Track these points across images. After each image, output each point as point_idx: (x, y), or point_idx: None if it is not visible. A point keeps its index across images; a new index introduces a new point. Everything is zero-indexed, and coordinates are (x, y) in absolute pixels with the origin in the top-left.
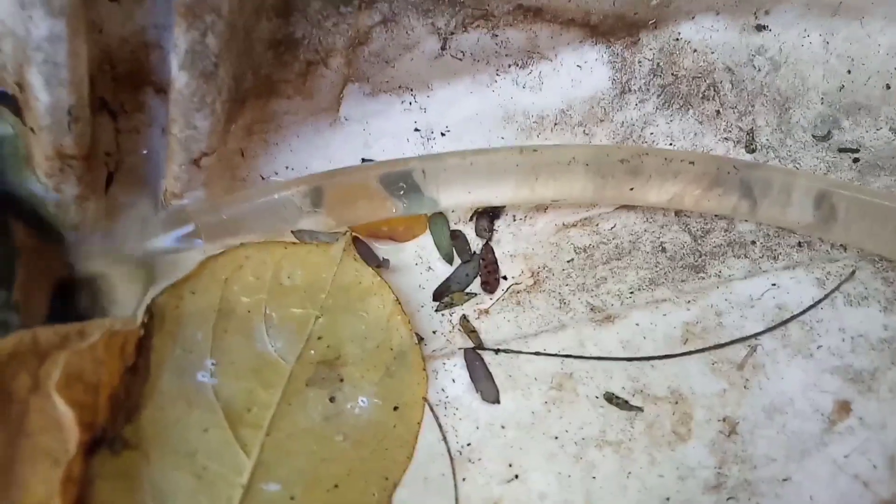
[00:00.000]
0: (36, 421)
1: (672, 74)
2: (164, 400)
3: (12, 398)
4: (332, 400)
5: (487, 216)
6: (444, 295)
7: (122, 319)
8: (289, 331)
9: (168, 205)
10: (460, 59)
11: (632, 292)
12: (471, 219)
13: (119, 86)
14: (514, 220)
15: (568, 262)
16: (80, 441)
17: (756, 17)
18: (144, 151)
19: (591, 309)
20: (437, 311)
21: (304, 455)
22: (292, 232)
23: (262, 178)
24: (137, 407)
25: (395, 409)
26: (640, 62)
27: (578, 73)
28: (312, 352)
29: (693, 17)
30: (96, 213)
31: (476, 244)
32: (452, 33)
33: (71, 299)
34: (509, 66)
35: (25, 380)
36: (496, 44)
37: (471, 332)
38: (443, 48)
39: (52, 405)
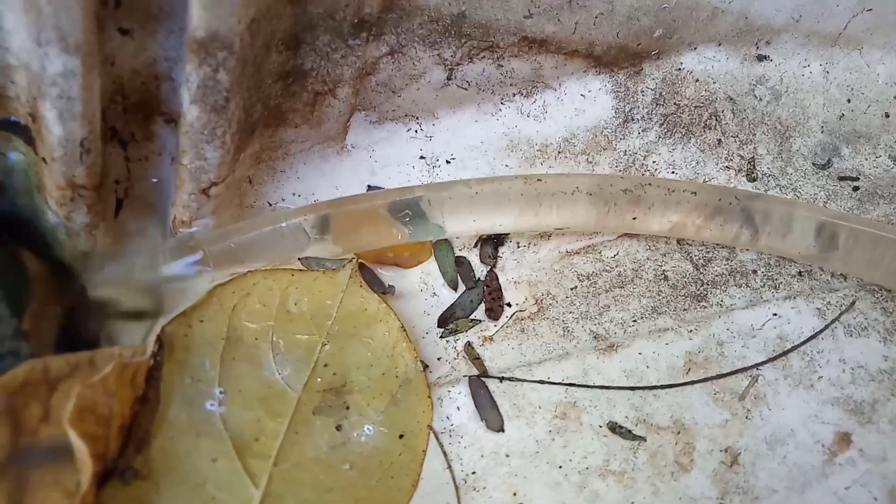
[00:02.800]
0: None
1: (674, 104)
2: (174, 430)
3: (23, 428)
4: (338, 428)
5: (492, 243)
6: (449, 322)
7: (133, 348)
8: (296, 358)
9: (177, 232)
10: (465, 89)
11: (634, 321)
12: (475, 245)
13: (130, 116)
14: (518, 247)
15: (571, 289)
16: (93, 473)
17: (757, 48)
18: (154, 179)
19: (595, 337)
20: (441, 337)
21: (312, 485)
22: (299, 259)
23: (270, 206)
24: (147, 437)
25: (401, 436)
26: (642, 92)
27: (582, 102)
28: (319, 379)
29: (695, 48)
30: (105, 240)
31: (480, 271)
32: (458, 64)
33: (79, 326)
34: (514, 95)
35: (36, 409)
36: (501, 74)
37: (475, 359)
38: (449, 78)
39: (63, 435)
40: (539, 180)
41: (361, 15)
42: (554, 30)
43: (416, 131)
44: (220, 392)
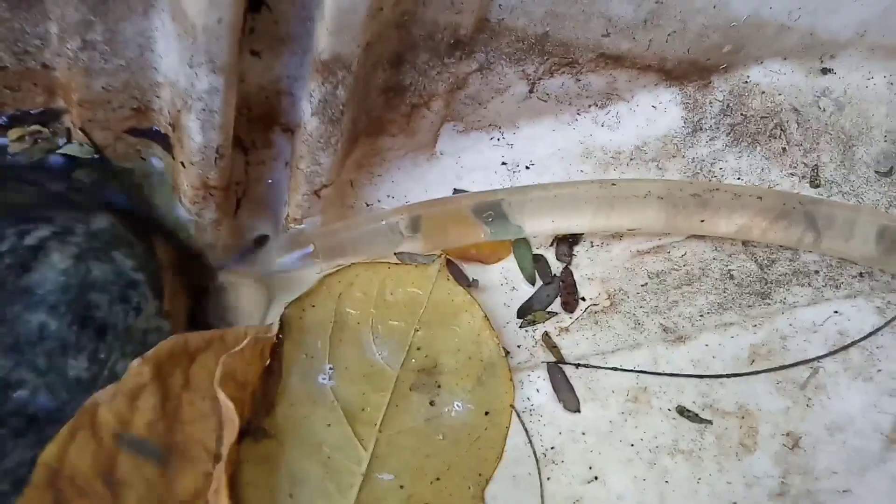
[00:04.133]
0: (188, 413)
1: (741, 114)
2: (294, 398)
3: (169, 393)
4: (432, 404)
5: (567, 242)
6: (528, 313)
7: (263, 327)
8: (392, 341)
9: (288, 228)
10: (545, 101)
11: (701, 315)
12: (552, 244)
13: (252, 126)
14: (592, 246)
15: (642, 285)
16: (238, 429)
17: (822, 62)
18: (269, 181)
19: (664, 330)
20: (521, 327)
21: (411, 450)
22: (395, 254)
23: (367, 206)
24: (273, 403)
25: (486, 413)
26: (710, 103)
27: (653, 112)
28: (413, 360)
29: (762, 62)
30: (227, 234)
31: (556, 267)
32: (540, 78)
33: (204, 308)
34: (589, 106)
35: (179, 377)
36: (578, 87)
37: (552, 347)
38: (530, 91)
39: (200, 399)
40: (612, 185)
41: (457, 36)
42: (629, 47)
43: (498, 139)
44: (330, 368)
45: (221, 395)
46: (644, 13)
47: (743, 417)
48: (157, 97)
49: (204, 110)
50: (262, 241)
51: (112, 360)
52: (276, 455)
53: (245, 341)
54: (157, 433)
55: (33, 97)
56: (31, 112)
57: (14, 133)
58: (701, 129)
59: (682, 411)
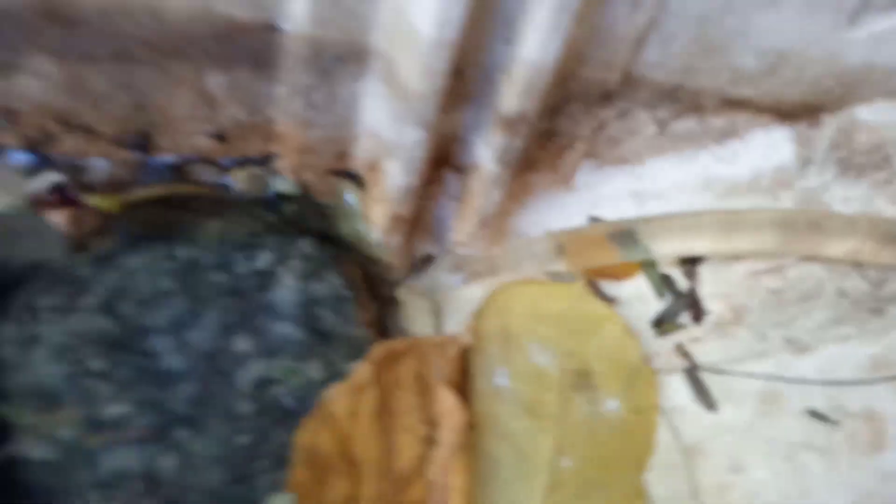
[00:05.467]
0: (398, 406)
1: (848, 149)
2: (482, 395)
3: (384, 390)
4: (590, 402)
5: (691, 262)
6: (660, 324)
7: (457, 336)
8: (549, 348)
9: (453, 251)
10: (671, 140)
11: (820, 328)
12: (678, 264)
13: (429, 166)
14: (714, 266)
15: (762, 301)
16: (459, 420)
17: None
18: (436, 212)
19: (787, 341)
20: (655, 337)
21: (581, 441)
22: (545, 273)
23: (516, 232)
24: (468, 399)
25: (636, 411)
26: (820, 139)
27: (767, 149)
28: (569, 365)
29: (869, 102)
30: (404, 256)
31: (682, 284)
32: (669, 121)
33: (386, 319)
34: (709, 144)
35: (390, 376)
36: (701, 128)
37: (686, 354)
38: (660, 132)
39: (407, 394)
40: (731, 213)
41: (606, 89)
42: (750, 93)
43: (629, 173)
44: (504, 371)
45: (445, 391)
46: (766, 65)
47: (871, 419)
48: (356, 145)
49: (407, 158)
50: (427, 261)
51: (337, 363)
52: (476, 442)
53: (453, 347)
54: (378, 422)
55: (256, 144)
56: (252, 156)
57: (238, 173)
58: (811, 162)
59: (813, 413)
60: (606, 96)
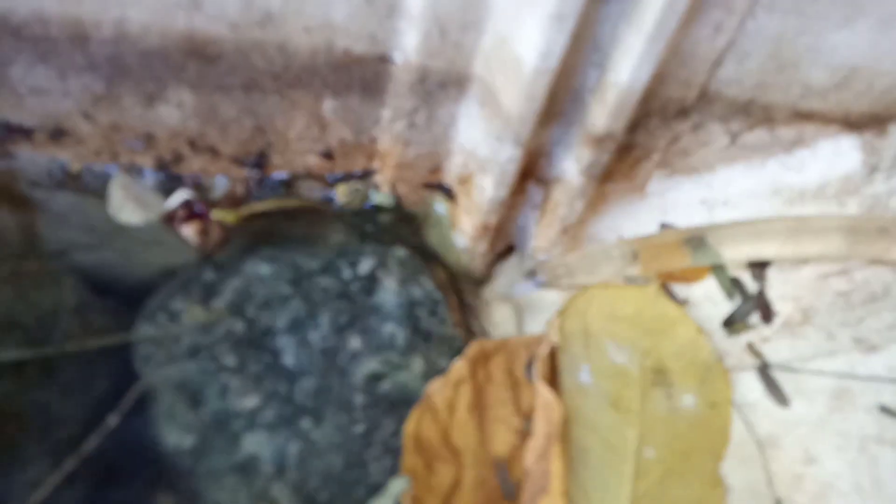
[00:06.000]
0: (491, 399)
1: None
2: (569, 390)
3: (478, 385)
4: (668, 397)
5: (760, 266)
6: (731, 325)
7: (544, 336)
8: (627, 348)
9: (533, 258)
10: (741, 150)
11: (889, 329)
12: (746, 267)
13: (516, 179)
14: (782, 270)
15: (830, 303)
16: (560, 415)
17: None
18: (517, 222)
19: (856, 340)
20: (726, 337)
21: (662, 433)
22: (620, 277)
23: (592, 239)
24: (558, 394)
25: (711, 406)
26: (887, 148)
27: (834, 157)
28: (646, 363)
29: None
30: (487, 262)
31: (751, 287)
32: (740, 133)
33: (468, 322)
34: (777, 153)
35: (483, 373)
36: (770, 138)
37: (757, 353)
38: (731, 143)
39: (499, 389)
40: (799, 219)
41: (683, 105)
42: (820, 106)
43: (698, 181)
44: (587, 368)
45: (544, 387)
46: (838, 79)
47: None
48: (448, 160)
49: (501, 173)
50: (508, 267)
51: (436, 360)
52: (568, 434)
53: (544, 346)
54: (474, 414)
55: (359, 161)
56: (354, 172)
57: (341, 188)
58: (878, 169)
59: (884, 409)
60: (683, 111)
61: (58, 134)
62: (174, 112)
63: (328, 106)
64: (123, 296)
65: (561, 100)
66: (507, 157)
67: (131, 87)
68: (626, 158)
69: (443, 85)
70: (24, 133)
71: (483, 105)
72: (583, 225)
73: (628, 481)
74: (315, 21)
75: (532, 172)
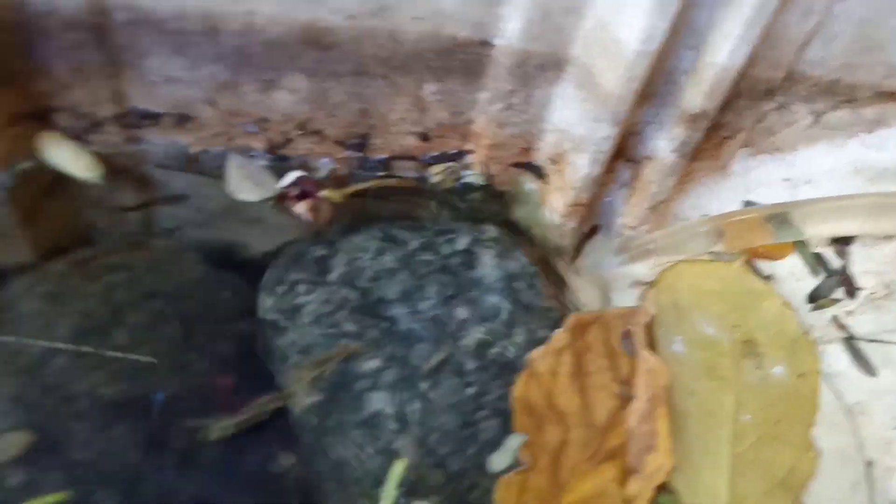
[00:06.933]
0: (590, 367)
1: None
2: (665, 359)
3: (578, 353)
4: (759, 367)
5: (842, 242)
6: (816, 299)
7: (639, 308)
8: (715, 321)
9: (621, 235)
10: (823, 129)
11: None
12: (829, 243)
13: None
14: (864, 246)
15: None
16: (664, 384)
17: None
18: (607, 199)
19: None
20: (811, 311)
21: (756, 400)
22: (706, 253)
23: (678, 217)
24: None
25: (800, 376)
26: None
27: None
28: (736, 335)
29: None
30: (575, 237)
31: (834, 263)
32: (824, 113)
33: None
34: (859, 132)
35: (581, 342)
36: (853, 118)
37: (842, 326)
38: (815, 123)
39: (597, 357)
40: (881, 196)
41: (770, 86)
42: None
43: (781, 160)
44: (679, 339)
45: (649, 354)
46: None
47: None
48: (541, 140)
49: (596, 152)
50: (592, 234)
51: (536, 330)
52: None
53: (644, 316)
54: (575, 380)
55: (453, 142)
56: (449, 152)
57: (435, 168)
58: None
59: None
60: (769, 92)
61: (183, 119)
62: (288, 97)
63: (429, 89)
64: (241, 269)
65: (655, 81)
66: (604, 135)
67: (252, 75)
68: (712, 138)
69: (541, 67)
70: (154, 119)
71: (580, 86)
72: (669, 203)
73: (727, 443)
74: (425, 10)
75: (622, 151)
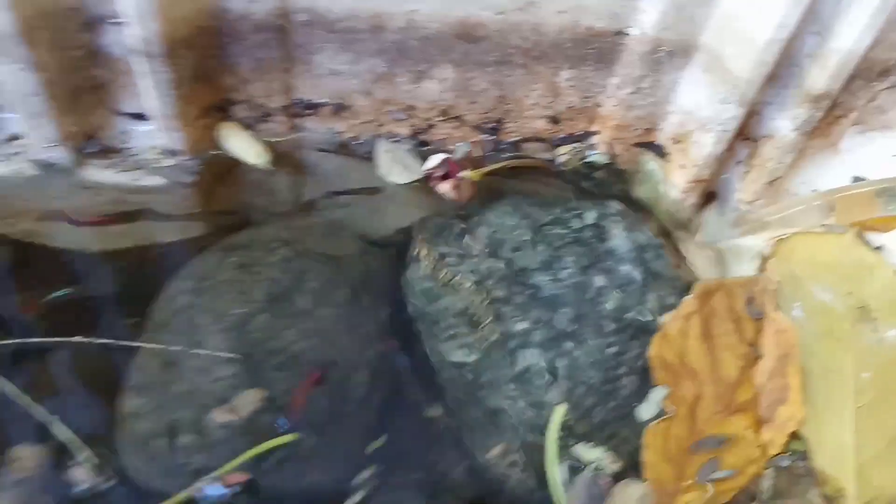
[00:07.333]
0: (716, 330)
1: None
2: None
3: (705, 318)
4: (874, 331)
5: None
6: None
7: (762, 277)
8: (829, 289)
9: (737, 210)
10: None
11: None
12: None
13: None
14: None
15: None
16: (793, 343)
17: None
18: (724, 175)
19: None
20: None
21: (874, 359)
22: (821, 226)
23: (789, 193)
24: None
25: None
26: None
27: None
28: (849, 302)
29: None
30: (696, 214)
31: None
32: None
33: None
34: None
35: (708, 308)
36: None
37: None
38: None
39: (722, 322)
40: None
41: (886, 66)
42: None
43: (891, 138)
44: (797, 305)
45: (778, 313)
46: None
47: None
48: (664, 121)
49: (721, 131)
50: (712, 217)
51: (665, 297)
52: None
53: (771, 284)
54: (703, 342)
55: (581, 124)
56: (575, 134)
57: (562, 149)
58: None
59: None
60: (884, 72)
61: (340, 109)
62: (436, 87)
63: (563, 76)
64: (390, 242)
65: (780, 64)
66: (730, 116)
67: (406, 67)
68: (826, 117)
69: (671, 54)
70: (315, 109)
71: (707, 70)
72: (783, 179)
73: (850, 398)
74: (568, 4)
75: (741, 130)
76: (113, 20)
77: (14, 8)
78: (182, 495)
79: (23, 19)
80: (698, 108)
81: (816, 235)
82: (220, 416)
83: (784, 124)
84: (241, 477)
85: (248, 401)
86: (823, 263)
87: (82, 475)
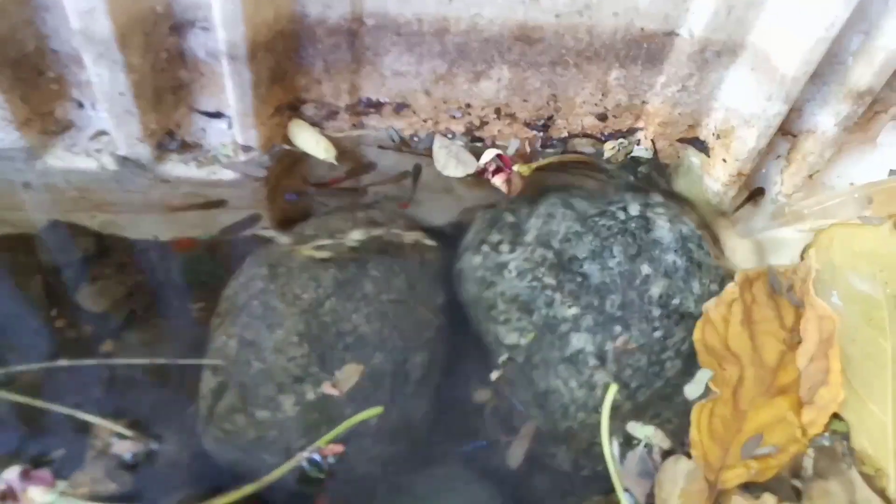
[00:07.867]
0: (757, 316)
1: None
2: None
3: (746, 304)
4: None
5: None
6: None
7: (800, 265)
8: (866, 279)
9: (776, 202)
10: None
11: None
12: None
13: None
14: None
15: None
16: (834, 328)
17: None
18: (763, 171)
19: None
20: None
21: None
22: (858, 217)
23: (826, 186)
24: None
25: None
26: None
27: None
28: (888, 290)
29: None
30: (736, 206)
31: None
32: None
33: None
34: None
35: (749, 295)
36: None
37: None
38: None
39: (762, 308)
40: None
41: None
42: None
43: None
44: (835, 293)
45: (818, 300)
46: None
47: None
48: (707, 117)
49: (765, 127)
50: (752, 209)
51: (708, 285)
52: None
53: (812, 272)
54: (745, 328)
55: (627, 121)
56: (621, 130)
57: (609, 145)
58: None
59: None
60: None
61: (401, 107)
62: (492, 86)
63: (613, 75)
64: (444, 233)
65: (824, 62)
66: (775, 112)
67: (465, 68)
68: (865, 112)
69: (718, 53)
70: (377, 107)
71: (754, 69)
72: (821, 173)
73: (890, 382)
74: (623, 6)
75: (783, 126)
76: (199, 25)
77: (111, 14)
78: (289, 464)
79: (118, 25)
80: (743, 104)
81: (854, 226)
82: (327, 389)
83: (826, 120)
84: (338, 448)
85: (350, 374)
86: (861, 253)
87: (132, 448)
